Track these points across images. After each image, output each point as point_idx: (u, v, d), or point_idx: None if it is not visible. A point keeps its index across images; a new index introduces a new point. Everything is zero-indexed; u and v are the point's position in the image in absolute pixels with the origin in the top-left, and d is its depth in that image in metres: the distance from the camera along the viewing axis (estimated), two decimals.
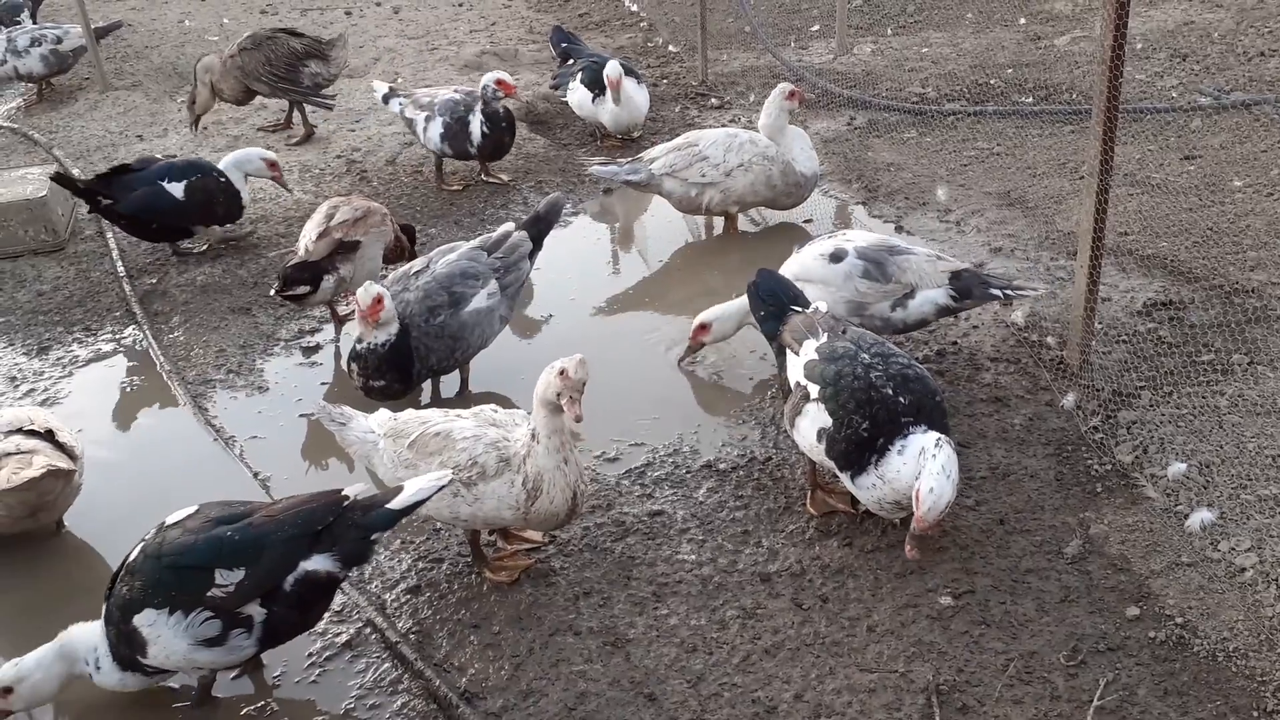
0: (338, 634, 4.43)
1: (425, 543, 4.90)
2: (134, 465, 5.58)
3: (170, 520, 4.01)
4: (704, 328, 5.87)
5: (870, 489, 4.40)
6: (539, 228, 6.20)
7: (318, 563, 3.89)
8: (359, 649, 4.36)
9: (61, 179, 7.50)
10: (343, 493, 4.02)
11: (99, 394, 6.21)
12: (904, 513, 4.37)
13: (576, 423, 4.21)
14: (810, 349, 4.71)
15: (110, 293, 7.27)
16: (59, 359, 6.54)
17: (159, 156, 8.05)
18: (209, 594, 3.79)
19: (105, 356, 6.56)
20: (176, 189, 7.31)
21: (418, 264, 5.88)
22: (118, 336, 6.76)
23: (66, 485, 4.90)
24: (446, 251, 5.92)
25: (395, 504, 3.95)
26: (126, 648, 3.89)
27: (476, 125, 8.20)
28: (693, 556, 4.69)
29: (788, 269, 5.66)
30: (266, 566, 3.81)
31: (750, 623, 4.33)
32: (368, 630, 4.43)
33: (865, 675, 4.06)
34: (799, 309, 5.02)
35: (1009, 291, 5.50)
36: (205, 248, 7.75)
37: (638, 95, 9.10)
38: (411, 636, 4.37)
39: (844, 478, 4.53)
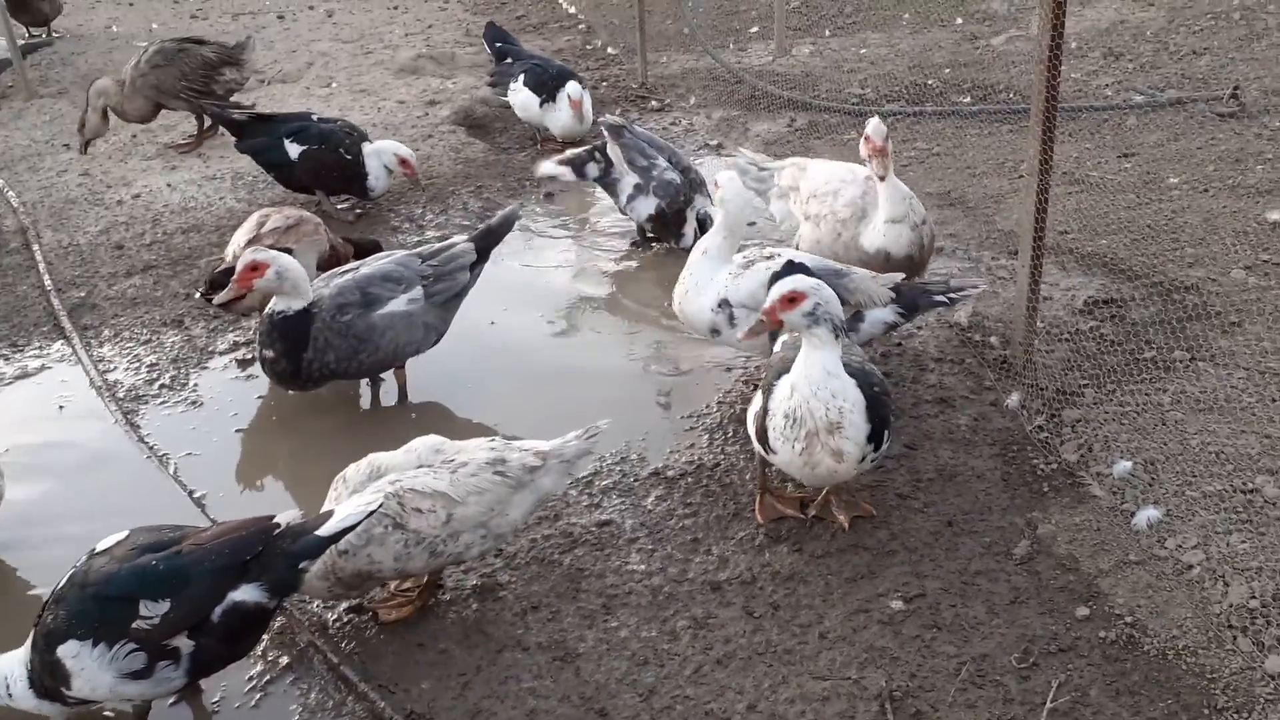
0: (278, 656, 4.30)
1: None
2: (63, 485, 5.39)
3: (100, 547, 3.87)
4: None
5: (783, 403, 4.34)
6: (487, 241, 6.04)
7: (246, 593, 3.76)
8: (300, 671, 4.24)
9: (209, 108, 8.55)
10: (274, 519, 3.89)
11: (26, 411, 6.01)
12: (837, 430, 4.27)
13: None
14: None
15: (37, 306, 7.05)
16: None
17: (312, 114, 8.28)
18: (134, 625, 3.66)
19: (32, 374, 6.35)
20: (293, 150, 7.81)
21: (353, 264, 5.80)
22: (45, 352, 6.55)
23: None
24: (384, 258, 5.83)
25: (324, 531, 3.82)
26: (50, 679, 3.74)
27: (690, 229, 7.15)
28: (642, 566, 4.62)
29: (733, 293, 5.36)
30: (193, 597, 3.69)
31: (701, 633, 4.27)
32: (309, 652, 4.31)
33: (818, 683, 4.02)
34: None
35: (952, 295, 5.47)
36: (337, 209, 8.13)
37: (586, 102, 9.01)
38: (355, 657, 4.26)
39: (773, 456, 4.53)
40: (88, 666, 3.68)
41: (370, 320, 5.52)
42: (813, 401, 4.27)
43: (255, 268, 5.24)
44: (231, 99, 9.26)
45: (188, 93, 8.96)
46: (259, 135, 7.93)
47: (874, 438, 4.35)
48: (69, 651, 3.68)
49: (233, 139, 8.15)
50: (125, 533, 3.92)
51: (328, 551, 3.99)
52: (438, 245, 5.97)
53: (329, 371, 5.58)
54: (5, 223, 8.21)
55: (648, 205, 7.25)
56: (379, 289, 5.59)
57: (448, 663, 4.21)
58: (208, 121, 9.36)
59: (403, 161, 7.84)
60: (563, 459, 4.43)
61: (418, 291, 5.66)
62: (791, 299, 4.25)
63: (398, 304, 5.59)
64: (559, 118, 8.94)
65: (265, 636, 4.29)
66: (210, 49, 9.16)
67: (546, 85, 8.95)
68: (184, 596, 3.68)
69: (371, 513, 3.89)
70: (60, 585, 3.82)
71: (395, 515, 4.14)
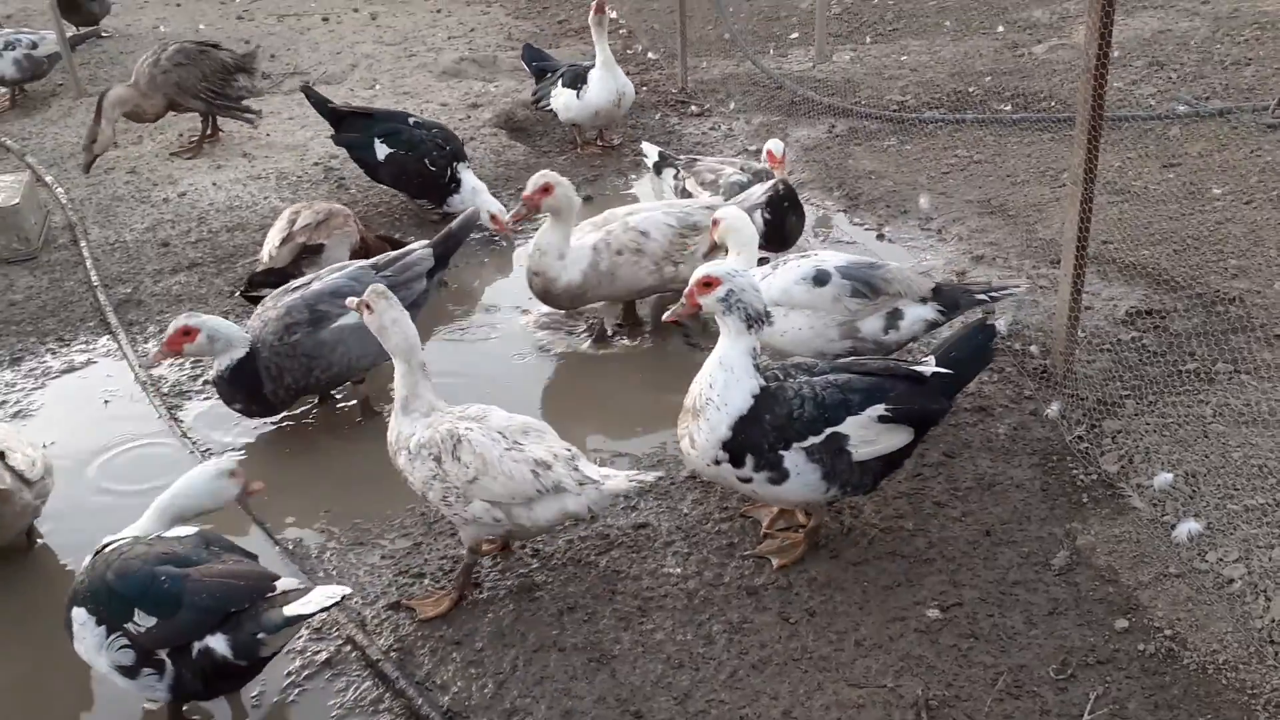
0: (317, 652, 4.35)
1: (406, 557, 4.82)
2: (107, 478, 5.47)
3: (168, 533, 4.02)
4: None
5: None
6: (446, 246, 6.08)
7: (217, 642, 3.76)
8: (339, 667, 4.28)
9: (311, 93, 8.33)
10: (275, 581, 3.86)
11: (72, 405, 6.10)
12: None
13: None
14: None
15: (84, 302, 7.16)
16: (31, 370, 6.43)
17: (409, 116, 8.28)
18: (126, 625, 3.77)
19: (79, 368, 6.46)
20: (381, 151, 7.90)
21: (304, 279, 5.76)
22: (91, 347, 6.65)
23: (3, 505, 4.66)
24: (337, 269, 5.80)
25: (290, 610, 3.75)
26: (65, 628, 3.91)
27: (758, 215, 6.79)
28: (678, 570, 4.63)
29: (767, 292, 5.21)
30: (176, 626, 3.74)
31: (737, 637, 4.28)
32: (348, 648, 4.35)
33: (854, 690, 4.01)
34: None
35: (994, 294, 5.46)
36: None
37: (619, 70, 9.03)
38: (393, 654, 4.30)
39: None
40: (89, 639, 3.83)
41: (318, 338, 5.50)
42: (698, 383, 4.39)
43: (187, 332, 5.27)
44: (244, 105, 9.48)
45: (207, 93, 9.18)
46: (354, 130, 8.06)
47: (732, 449, 4.29)
48: (79, 617, 3.86)
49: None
50: (194, 530, 4.06)
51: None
52: (393, 253, 5.93)
53: (295, 391, 5.58)
54: (53, 219, 8.33)
55: None
56: (327, 305, 5.53)
57: (484, 661, 4.24)
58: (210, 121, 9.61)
59: (493, 218, 7.84)
60: (598, 488, 4.39)
61: None
62: (707, 283, 4.32)
63: (348, 319, 5.47)
64: (592, 96, 8.95)
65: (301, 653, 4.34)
66: (226, 54, 9.43)
67: (581, 77, 9.01)
68: (170, 621, 3.74)
69: (334, 605, 3.79)
70: (107, 549, 3.96)
71: (449, 451, 4.32)
